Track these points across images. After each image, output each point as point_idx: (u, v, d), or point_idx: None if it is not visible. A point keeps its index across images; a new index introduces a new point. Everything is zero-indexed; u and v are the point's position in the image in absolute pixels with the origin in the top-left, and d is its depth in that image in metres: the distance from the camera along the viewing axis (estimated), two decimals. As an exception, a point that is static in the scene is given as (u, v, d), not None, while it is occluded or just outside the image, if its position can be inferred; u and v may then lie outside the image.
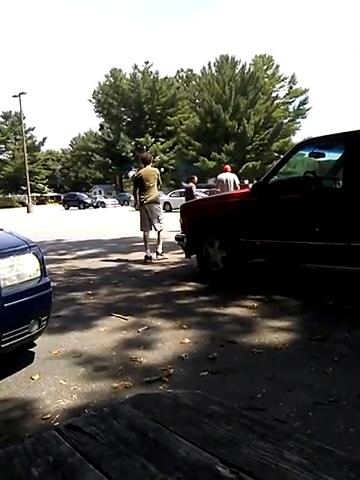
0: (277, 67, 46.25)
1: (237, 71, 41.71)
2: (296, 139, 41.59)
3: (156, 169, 7.55)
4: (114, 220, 19.76)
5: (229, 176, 10.54)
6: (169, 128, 48.79)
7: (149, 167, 7.34)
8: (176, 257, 7.16)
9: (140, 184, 7.20)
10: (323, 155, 5.16)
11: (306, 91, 45.22)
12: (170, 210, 25.72)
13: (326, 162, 5.58)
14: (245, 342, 3.20)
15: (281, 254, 4.92)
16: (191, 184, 12.95)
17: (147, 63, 51.53)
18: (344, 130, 4.58)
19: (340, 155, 4.84)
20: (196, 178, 13.56)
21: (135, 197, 7.55)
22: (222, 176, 10.62)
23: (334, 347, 3.01)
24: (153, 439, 0.62)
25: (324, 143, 5.00)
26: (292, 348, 3.05)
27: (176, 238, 5.90)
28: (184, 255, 5.87)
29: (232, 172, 11.12)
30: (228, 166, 11.41)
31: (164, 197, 30.58)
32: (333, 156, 5.27)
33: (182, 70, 56.67)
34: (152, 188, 7.18)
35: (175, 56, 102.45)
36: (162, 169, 50.87)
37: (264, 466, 0.53)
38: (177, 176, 43.81)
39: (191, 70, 55.11)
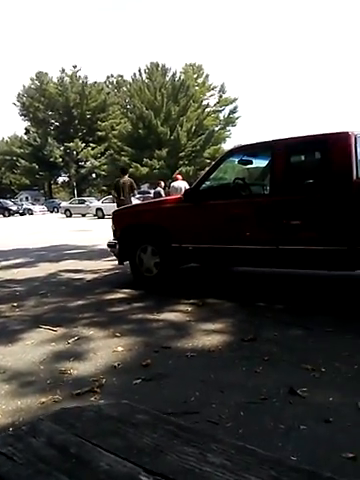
0: (207, 76, 47.49)
1: (168, 79, 42.23)
2: (227, 146, 42.90)
3: (131, 179, 9.42)
4: (43, 228, 19.08)
5: (181, 184, 11.19)
6: (100, 133, 48.13)
7: (126, 177, 9.23)
8: (109, 264, 7.05)
9: (118, 190, 9.05)
10: (251, 162, 5.35)
11: (235, 100, 46.84)
12: (102, 217, 25.36)
13: (254, 169, 5.80)
14: (179, 347, 3.21)
15: (214, 258, 5.02)
16: (159, 188, 13.56)
17: (75, 67, 50.55)
18: (271, 138, 4.80)
19: (267, 162, 5.04)
20: (163, 183, 14.28)
21: (115, 201, 9.68)
22: (175, 184, 11.27)
23: (264, 346, 3.11)
24: (75, 454, 0.58)
25: (252, 151, 5.19)
26: (225, 350, 3.11)
27: (108, 245, 5.81)
28: (117, 262, 5.79)
29: (183, 180, 12.00)
30: (179, 175, 12.58)
31: (96, 203, 30.17)
32: (261, 163, 5.49)
33: (112, 75, 56.24)
34: (127, 194, 8.99)
35: (104, 62, 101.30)
36: (93, 175, 50.05)
37: (187, 471, 0.53)
38: (109, 181, 43.34)
39: (121, 76, 54.89)
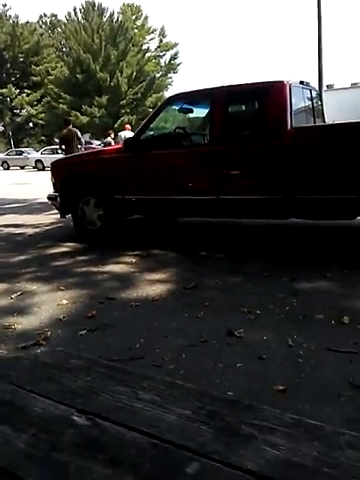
0: (146, 18, 45.05)
1: (105, 19, 39.65)
2: (169, 94, 41.74)
3: (76, 129, 9.35)
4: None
5: (127, 134, 11.08)
6: (35, 79, 44.80)
7: (70, 127, 9.19)
8: (51, 218, 6.86)
9: (64, 142, 9.08)
10: (191, 111, 5.29)
11: (176, 45, 45.12)
12: (43, 169, 24.34)
13: (195, 118, 5.74)
14: (124, 297, 3.27)
15: (157, 209, 5.03)
16: (109, 139, 13.44)
17: (5, 6, 46.16)
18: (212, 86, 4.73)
19: (207, 111, 5.00)
20: (113, 133, 14.18)
21: (62, 153, 9.64)
22: (122, 134, 11.29)
23: (205, 293, 3.24)
24: (8, 401, 0.61)
25: (191, 99, 5.10)
26: (168, 298, 3.21)
27: (48, 198, 5.62)
28: (59, 215, 5.64)
29: (131, 130, 11.85)
30: (128, 125, 12.51)
31: (35, 155, 28.79)
32: (201, 112, 5.43)
33: (45, 15, 51.76)
34: (73, 145, 8.86)
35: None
36: (30, 124, 47.21)
37: (119, 409, 0.57)
38: (48, 131, 41.17)
39: (55, 16, 50.67)
